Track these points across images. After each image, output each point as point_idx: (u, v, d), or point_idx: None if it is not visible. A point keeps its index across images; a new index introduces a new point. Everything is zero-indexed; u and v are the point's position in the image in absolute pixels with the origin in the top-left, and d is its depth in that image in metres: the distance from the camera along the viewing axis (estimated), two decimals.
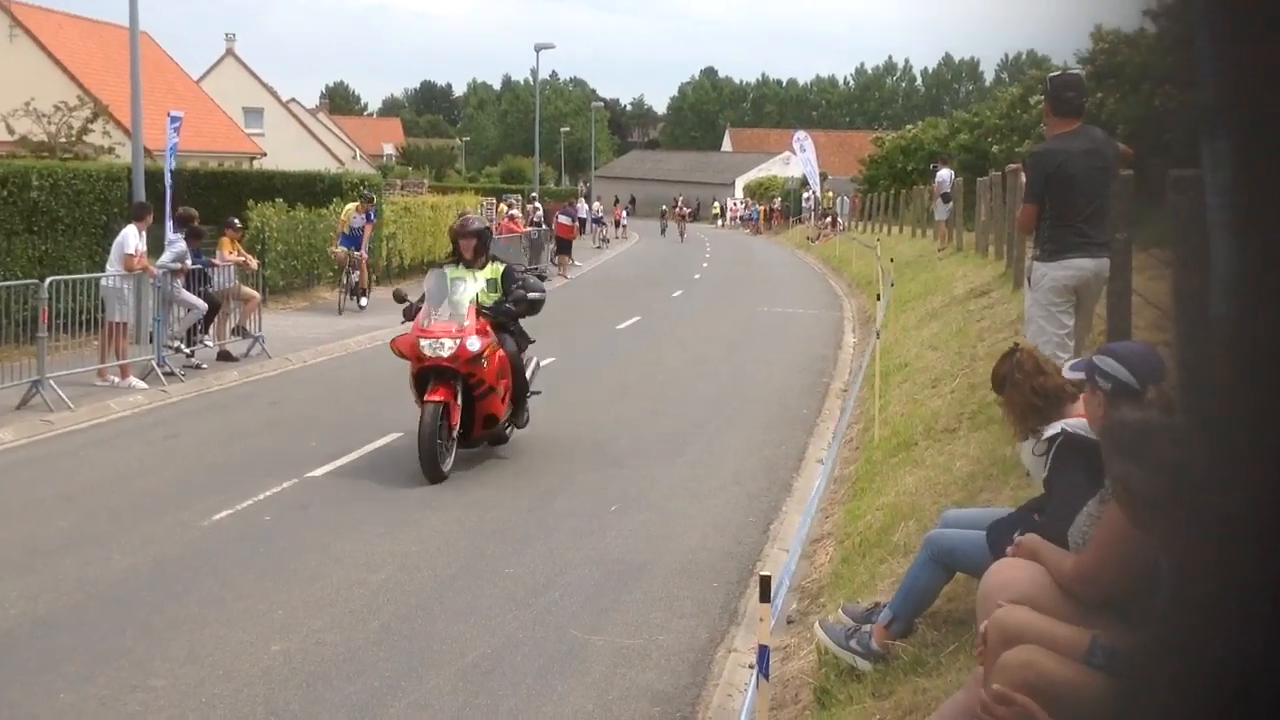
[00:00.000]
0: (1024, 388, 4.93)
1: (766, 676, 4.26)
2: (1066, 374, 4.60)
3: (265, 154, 48.65)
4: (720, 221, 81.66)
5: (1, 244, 18.24)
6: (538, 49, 50.70)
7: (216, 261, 18.00)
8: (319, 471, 11.05)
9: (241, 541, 8.97)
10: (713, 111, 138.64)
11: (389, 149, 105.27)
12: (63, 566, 8.25)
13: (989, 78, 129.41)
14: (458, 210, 29.13)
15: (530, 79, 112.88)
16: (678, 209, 66.14)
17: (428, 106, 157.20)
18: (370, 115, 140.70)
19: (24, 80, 34.58)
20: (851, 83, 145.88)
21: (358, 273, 23.69)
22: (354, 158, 73.37)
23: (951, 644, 5.39)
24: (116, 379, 15.10)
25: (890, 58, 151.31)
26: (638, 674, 6.66)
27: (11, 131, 30.68)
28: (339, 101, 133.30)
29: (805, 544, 8.48)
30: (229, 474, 10.99)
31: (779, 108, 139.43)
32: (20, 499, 10.22)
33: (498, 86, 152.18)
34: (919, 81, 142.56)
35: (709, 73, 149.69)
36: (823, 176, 61.72)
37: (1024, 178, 9.15)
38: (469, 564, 8.52)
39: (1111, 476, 3.58)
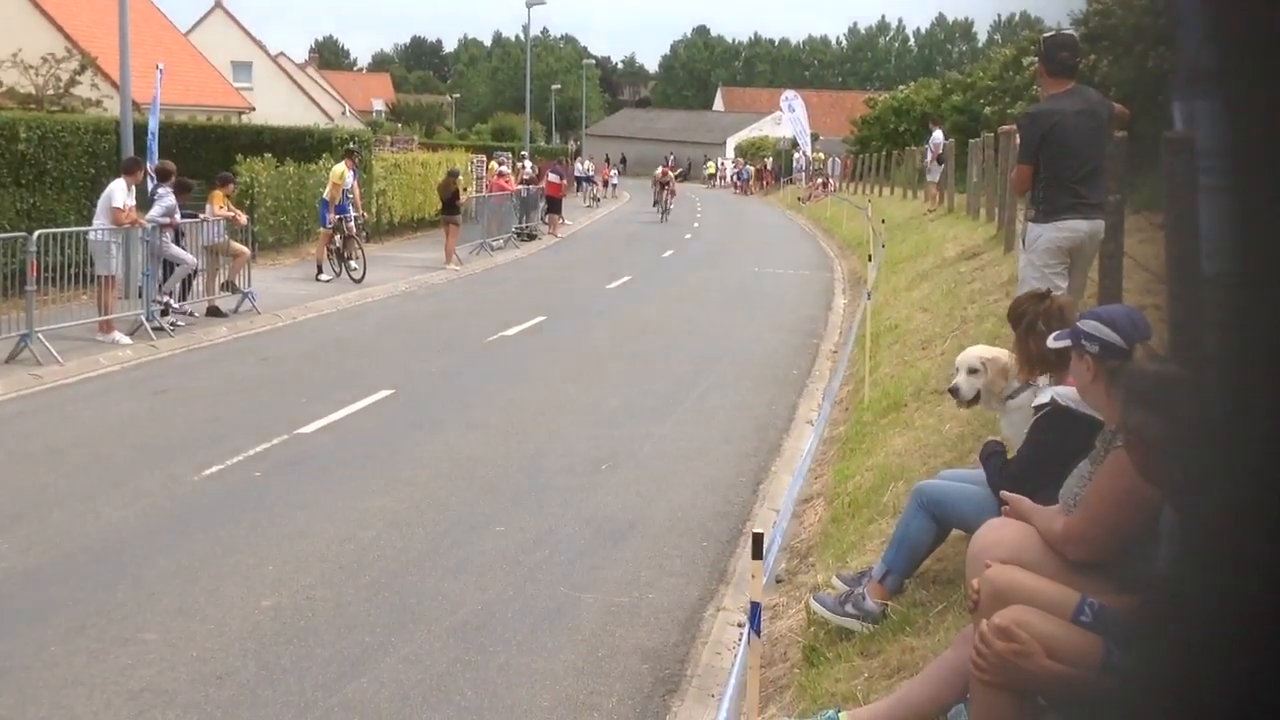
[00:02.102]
0: (1043, 339, 4.92)
1: (758, 633, 4.28)
2: (1051, 343, 4.61)
3: (254, 108, 48.28)
4: (713, 182, 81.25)
5: None
6: (529, 5, 50.31)
7: (205, 215, 17.91)
8: (309, 428, 11.04)
9: (232, 497, 8.97)
10: (705, 70, 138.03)
11: (379, 105, 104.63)
12: (52, 520, 8.25)
13: (982, 38, 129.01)
14: (447, 167, 29.01)
15: (521, 35, 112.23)
16: (663, 174, 47.36)
17: (418, 62, 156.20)
18: (360, 70, 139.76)
19: (11, 31, 34.25)
20: (844, 42, 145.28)
21: (348, 240, 22.64)
22: (343, 113, 72.95)
23: (940, 604, 5.42)
24: (101, 334, 15.04)
25: (884, 17, 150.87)
26: (627, 631, 6.69)
27: None
28: (329, 56, 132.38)
29: (795, 504, 8.51)
30: (219, 429, 10.97)
31: (771, 67, 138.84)
32: (9, 452, 10.20)
33: (488, 43, 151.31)
34: (912, 42, 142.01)
35: (701, 31, 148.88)
36: (814, 137, 61.57)
37: (1018, 139, 9.13)
38: (459, 521, 8.54)
39: (1127, 425, 3.59)
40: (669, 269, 28.20)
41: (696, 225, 43.75)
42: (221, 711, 5.52)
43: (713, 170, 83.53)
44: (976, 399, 5.89)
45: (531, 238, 33.62)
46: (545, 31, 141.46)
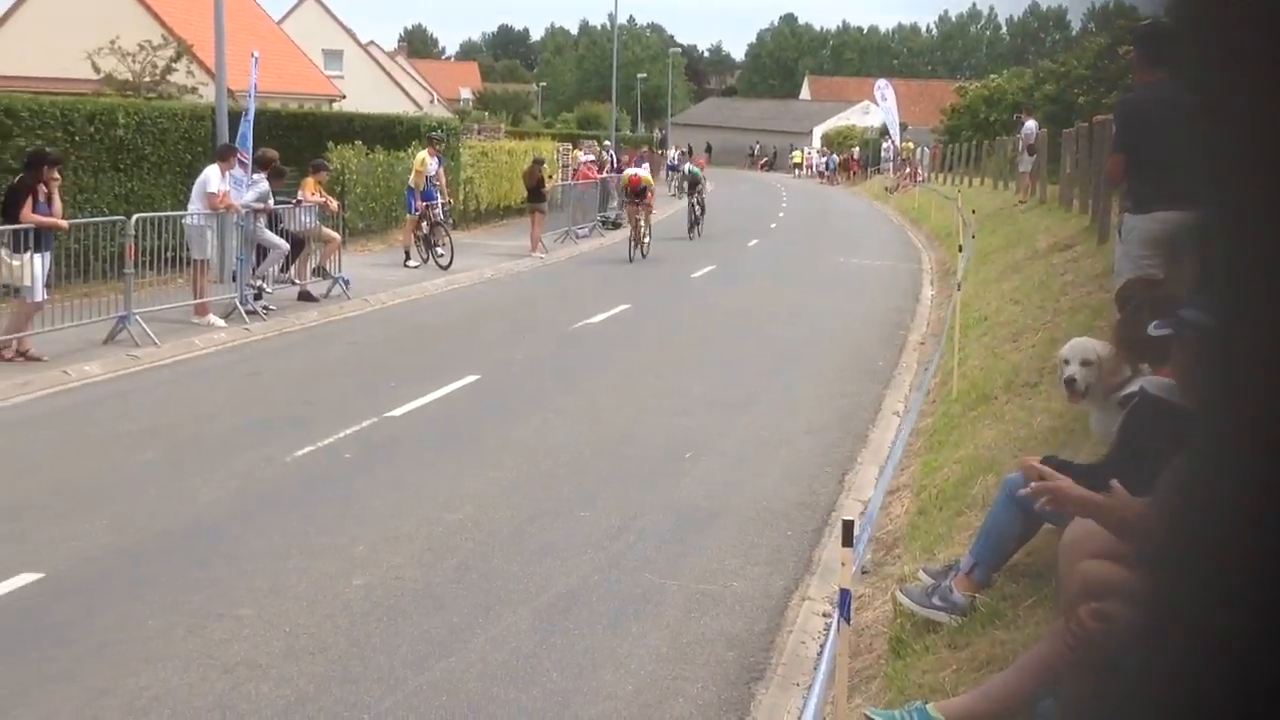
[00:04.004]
0: (1145, 326, 4.79)
1: (848, 620, 4.26)
2: (1152, 331, 4.50)
3: (344, 96, 48.89)
4: (799, 172, 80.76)
5: (89, 181, 18.53)
6: None
7: (297, 200, 18.18)
8: (398, 411, 11.18)
9: (323, 478, 9.12)
10: (791, 59, 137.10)
11: (466, 93, 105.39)
12: (149, 498, 8.44)
13: (1075, 27, 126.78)
14: (533, 155, 29.16)
15: (608, 24, 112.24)
16: (682, 160, 45.50)
17: (505, 51, 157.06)
18: (448, 59, 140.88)
19: (109, 19, 34.99)
20: (934, 30, 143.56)
21: (435, 227, 22.86)
22: (431, 101, 73.57)
23: (1030, 597, 5.36)
24: (196, 316, 15.35)
25: (975, 5, 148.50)
26: (712, 619, 6.70)
27: (97, 70, 31.05)
28: (417, 45, 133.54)
29: (882, 495, 8.46)
30: (310, 412, 11.16)
31: (859, 56, 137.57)
32: (108, 432, 10.46)
33: (575, 31, 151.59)
34: (1004, 30, 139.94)
35: (788, 19, 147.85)
36: (903, 126, 60.93)
37: (1113, 128, 8.97)
38: (544, 506, 8.60)
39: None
40: (754, 258, 28.11)
41: (781, 215, 43.57)
42: (314, 686, 5.62)
43: (799, 159, 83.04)
44: (1087, 392, 5.65)
45: (616, 226, 33.69)
46: (631, 20, 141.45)
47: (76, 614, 6.36)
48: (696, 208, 31.94)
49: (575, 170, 35.18)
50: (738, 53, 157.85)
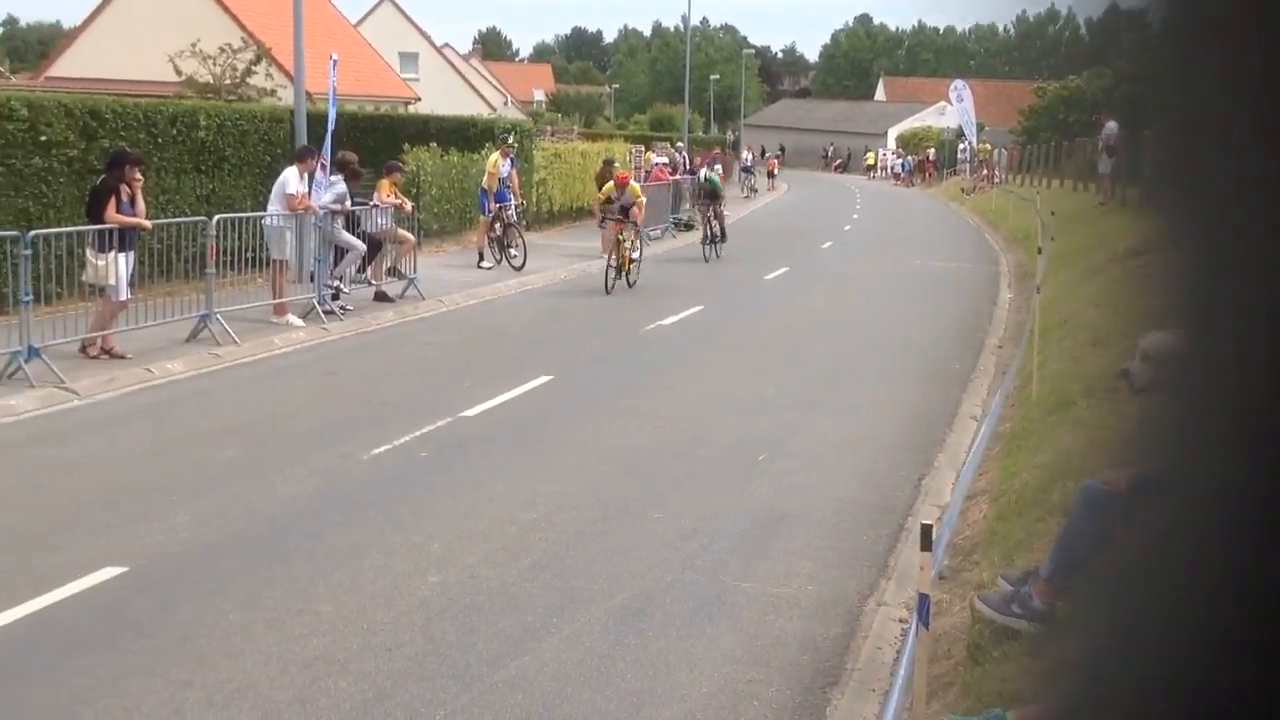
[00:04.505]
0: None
1: (927, 626, 4.22)
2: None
3: (419, 99, 49.30)
4: (873, 173, 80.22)
5: (171, 182, 18.84)
6: None
7: (374, 203, 18.36)
8: (473, 411, 11.25)
9: (399, 476, 9.20)
10: (866, 60, 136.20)
11: (539, 95, 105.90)
12: (230, 494, 8.57)
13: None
14: (605, 157, 29.23)
15: (681, 25, 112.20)
16: (702, 161, 37.87)
17: (578, 53, 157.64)
18: (522, 61, 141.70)
19: (191, 22, 35.56)
20: (1011, 31, 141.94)
21: (508, 228, 23.06)
22: (505, 103, 74.04)
23: None
24: (275, 316, 15.56)
25: (1053, 4, 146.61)
26: (786, 622, 6.67)
27: (179, 73, 31.58)
28: (491, 47, 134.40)
29: (960, 500, 8.37)
30: (386, 411, 11.26)
31: (935, 56, 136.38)
32: (190, 429, 10.63)
33: (648, 33, 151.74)
34: (1083, 30, 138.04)
35: (863, 20, 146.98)
36: (979, 127, 60.30)
37: None
38: (617, 506, 8.61)
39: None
40: (827, 260, 27.96)
41: (855, 217, 43.31)
42: (391, 682, 5.67)
43: (873, 161, 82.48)
44: (1146, 388, 5.52)
45: (689, 227, 33.67)
46: (705, 21, 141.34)
47: (159, 607, 6.47)
48: (714, 224, 26.66)
49: (648, 172, 35.21)
50: (812, 54, 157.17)
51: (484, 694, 5.61)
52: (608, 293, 19.55)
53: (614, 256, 20.30)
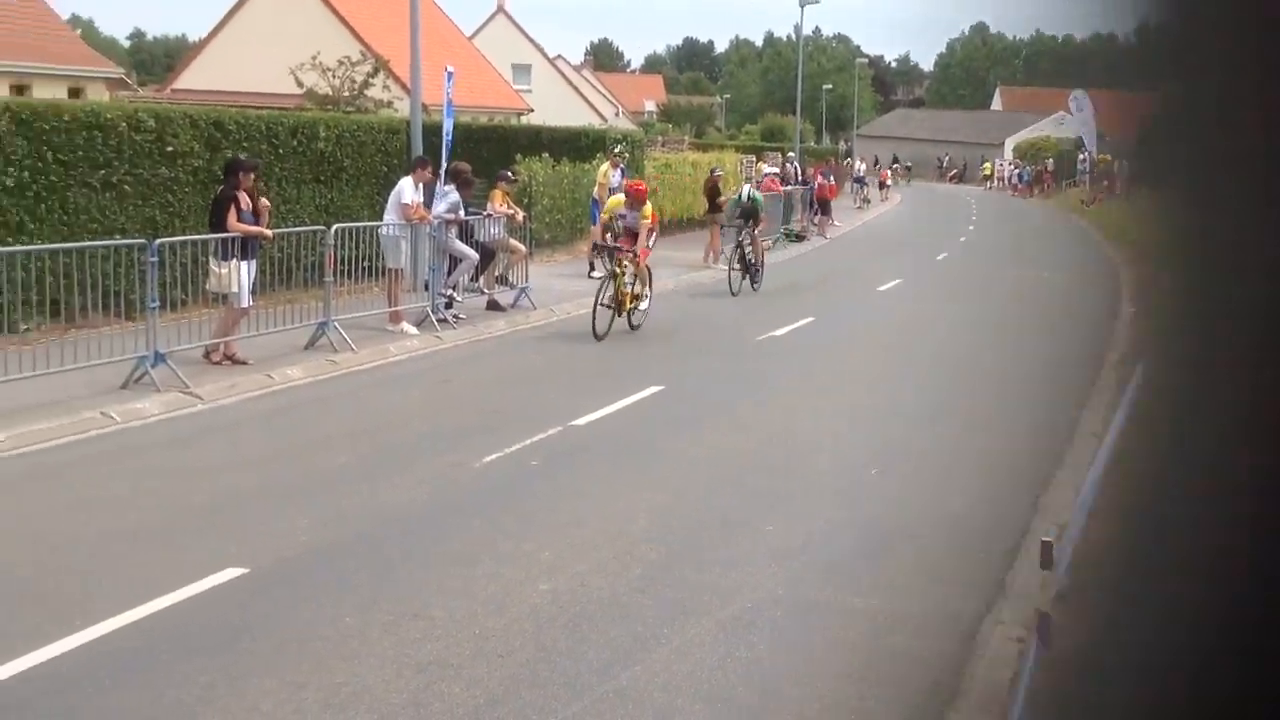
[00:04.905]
0: None
1: (1046, 646, 4.12)
2: None
3: (532, 110, 49.81)
4: (989, 184, 79.06)
5: (291, 192, 19.26)
6: (802, 4, 50.11)
7: (487, 212, 18.56)
8: (583, 420, 11.30)
9: (510, 484, 9.27)
10: (982, 69, 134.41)
11: (650, 105, 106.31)
12: (346, 499, 8.71)
13: None
14: (712, 167, 29.21)
15: (793, 35, 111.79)
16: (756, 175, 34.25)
17: (689, 63, 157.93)
18: (633, 72, 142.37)
19: (311, 36, 36.35)
20: (1134, 40, 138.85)
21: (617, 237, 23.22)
22: (616, 114, 74.44)
23: None
24: (390, 324, 15.81)
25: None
26: (899, 639, 6.58)
27: (299, 85, 32.32)
28: (603, 58, 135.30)
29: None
30: (498, 419, 11.36)
31: (1054, 65, 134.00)
32: (307, 434, 10.84)
33: (759, 43, 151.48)
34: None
35: (979, 29, 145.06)
36: (1100, 136, 59.06)
37: None
38: (728, 518, 8.57)
39: None
40: (942, 273, 27.62)
41: (971, 228, 42.72)
42: (503, 689, 5.71)
43: (989, 171, 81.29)
44: None
45: (800, 239, 33.52)
46: (817, 31, 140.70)
47: (278, 609, 6.59)
48: (747, 249, 22.08)
49: (758, 183, 35.13)
50: (926, 63, 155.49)
51: (595, 703, 5.62)
52: (597, 338, 15.61)
53: (606, 290, 16.16)
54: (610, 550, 7.79)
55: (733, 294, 20.97)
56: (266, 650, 6.04)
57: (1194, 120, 0.86)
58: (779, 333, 17.18)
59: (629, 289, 16.37)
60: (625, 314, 16.45)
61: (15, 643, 5.97)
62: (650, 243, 16.88)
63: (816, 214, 36.17)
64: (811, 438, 11.06)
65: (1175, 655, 0.90)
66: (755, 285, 21.96)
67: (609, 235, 17.11)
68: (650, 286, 17.15)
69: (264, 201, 13.88)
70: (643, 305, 16.72)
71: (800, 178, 38.38)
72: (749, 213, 22.55)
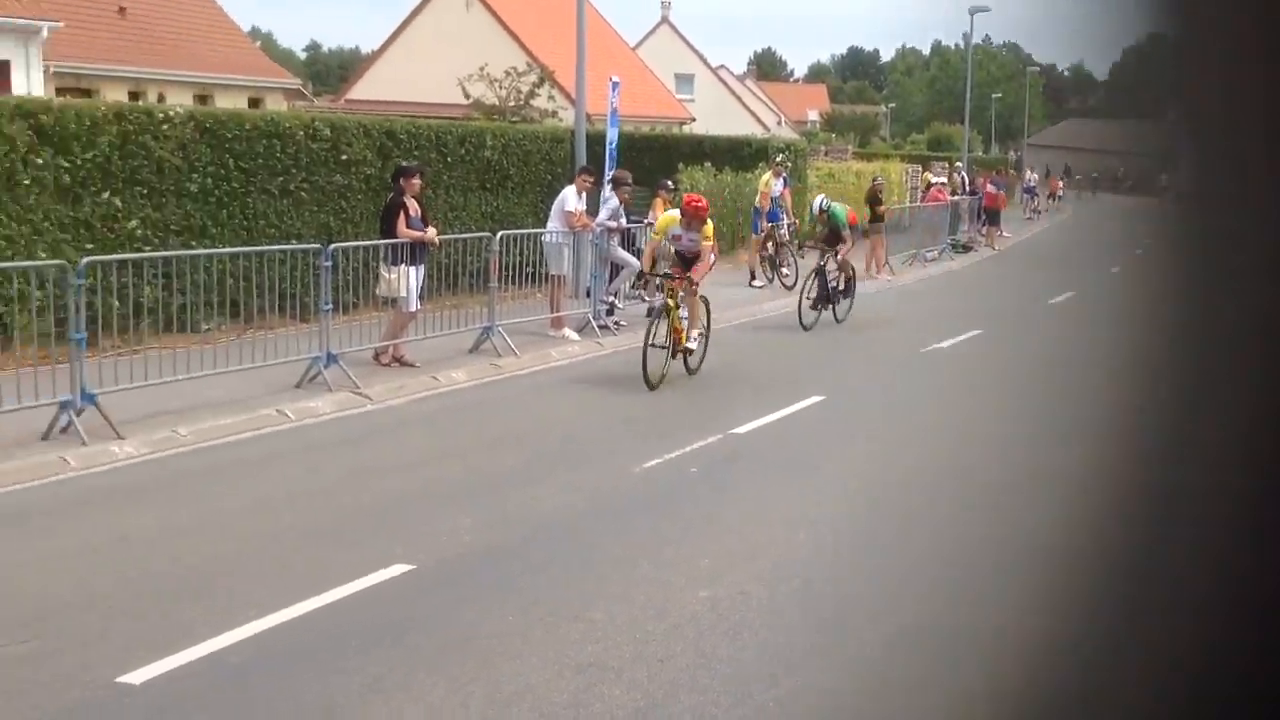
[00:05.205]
0: None
1: None
2: None
3: (694, 119, 49.95)
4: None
5: (458, 200, 19.66)
6: (971, 12, 49.24)
7: (649, 220, 18.65)
8: (743, 429, 11.26)
9: (670, 490, 9.29)
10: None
11: (813, 115, 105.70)
12: (509, 500, 8.83)
13: None
14: (874, 175, 28.87)
15: (961, 44, 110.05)
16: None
17: (854, 72, 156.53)
18: (796, 81, 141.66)
19: (478, 47, 37.07)
20: None
21: (780, 247, 23.20)
22: (778, 123, 74.17)
23: None
24: (552, 329, 15.99)
25: None
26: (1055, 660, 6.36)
27: (467, 95, 32.96)
28: (766, 68, 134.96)
29: None
30: (658, 425, 11.40)
31: None
32: (472, 435, 11.03)
33: (926, 52, 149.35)
34: None
35: (1157, 37, 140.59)
36: None
37: None
38: (887, 529, 8.45)
39: None
40: (1120, 286, 26.80)
41: (1149, 240, 41.39)
42: (663, 693, 5.70)
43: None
44: None
45: (966, 250, 32.91)
46: (987, 39, 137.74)
47: (443, 606, 6.70)
48: (831, 275, 18.40)
49: (924, 192, 34.61)
50: (1100, 71, 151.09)
51: (756, 711, 5.57)
52: (650, 387, 12.92)
53: (658, 329, 13.34)
54: (770, 559, 7.73)
55: (804, 328, 17.56)
56: (431, 646, 6.15)
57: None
58: (943, 344, 16.85)
59: (682, 326, 13.56)
60: (681, 356, 13.60)
61: (191, 631, 6.19)
62: (706, 267, 14.04)
63: (984, 224, 35.46)
64: (976, 451, 10.84)
65: (1182, 655, 0.92)
66: (838, 315, 18.37)
67: (659, 262, 14.25)
68: (708, 321, 14.37)
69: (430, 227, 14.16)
70: (691, 344, 13.65)
71: (968, 188, 37.68)
72: (832, 235, 18.54)
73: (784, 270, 22.64)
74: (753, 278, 22.80)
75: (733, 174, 26.39)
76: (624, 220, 17.65)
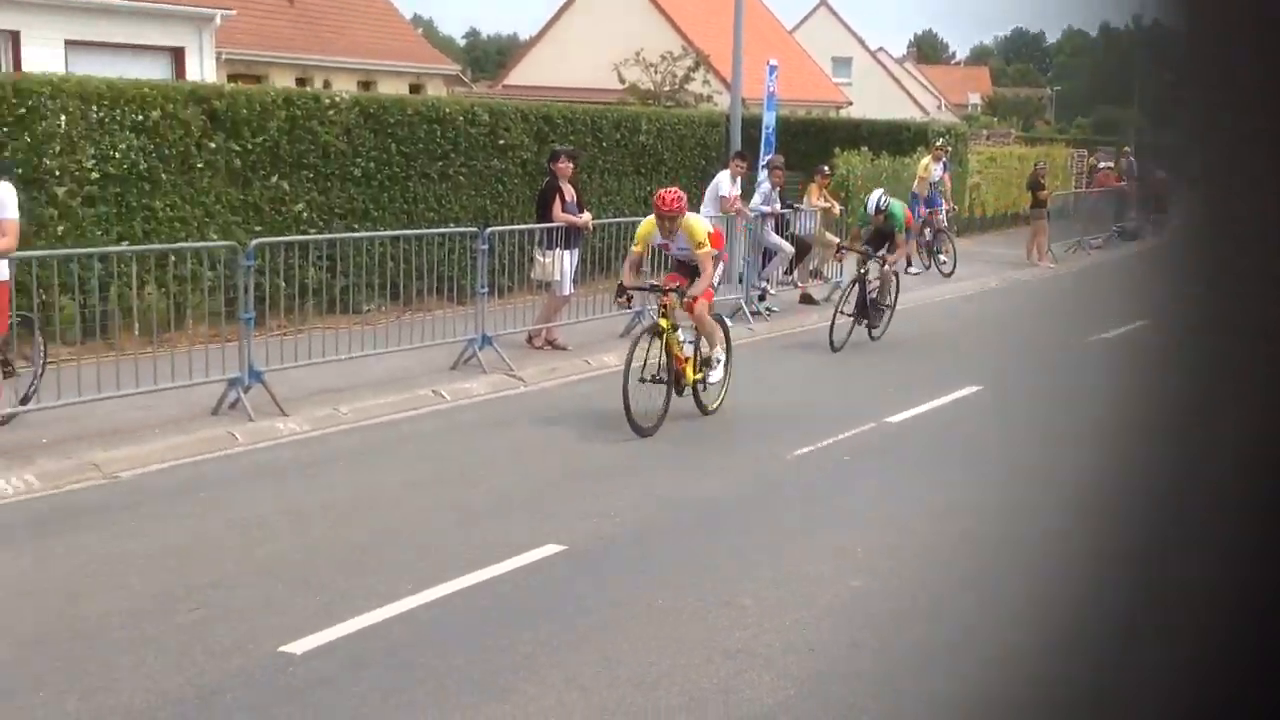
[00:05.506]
0: None
1: None
2: None
3: (851, 103, 49.36)
4: None
5: (612, 184, 19.76)
6: None
7: (802, 206, 18.51)
8: (897, 418, 11.10)
9: (821, 478, 9.21)
10: None
11: (974, 98, 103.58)
12: (661, 484, 8.87)
13: None
14: (1036, 161, 28.15)
15: (1131, 24, 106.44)
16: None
17: (1017, 55, 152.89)
18: (957, 64, 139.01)
19: (634, 32, 37.18)
20: None
21: (938, 233, 22.82)
22: (939, 107, 72.85)
23: None
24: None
25: None
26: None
27: (622, 80, 33.12)
28: (926, 50, 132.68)
29: None
30: (810, 412, 11.32)
31: None
32: (623, 419, 11.05)
33: (1094, 33, 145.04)
34: None
35: None
36: None
37: None
38: (1048, 527, 8.22)
39: None
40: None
41: None
42: (813, 682, 5.66)
43: None
44: None
45: (1134, 237, 31.86)
46: (1156, 21, 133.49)
47: (594, 587, 6.76)
48: (872, 284, 15.32)
49: (1089, 178, 33.65)
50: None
51: (909, 703, 5.49)
52: (641, 432, 10.10)
53: (647, 352, 10.29)
54: (922, 550, 7.62)
55: (833, 348, 14.34)
56: (582, 626, 6.20)
57: None
58: (1109, 335, 16.37)
59: (685, 352, 10.66)
60: (690, 389, 10.78)
61: (350, 604, 6.35)
62: (715, 280, 11.06)
63: (1154, 211, 34.29)
64: None
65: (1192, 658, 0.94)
66: (874, 331, 15.34)
67: (636, 273, 11.29)
68: (727, 345, 11.19)
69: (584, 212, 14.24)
70: (713, 377, 10.87)
71: (1135, 173, 36.47)
72: (881, 238, 15.59)
73: (942, 257, 22.25)
74: (909, 263, 22.42)
75: (890, 159, 25.99)
76: (778, 205, 17.55)
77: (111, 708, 5.15)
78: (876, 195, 15.89)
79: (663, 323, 10.53)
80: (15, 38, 21.80)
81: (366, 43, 33.77)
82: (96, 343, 10.93)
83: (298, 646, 5.80)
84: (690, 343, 10.79)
